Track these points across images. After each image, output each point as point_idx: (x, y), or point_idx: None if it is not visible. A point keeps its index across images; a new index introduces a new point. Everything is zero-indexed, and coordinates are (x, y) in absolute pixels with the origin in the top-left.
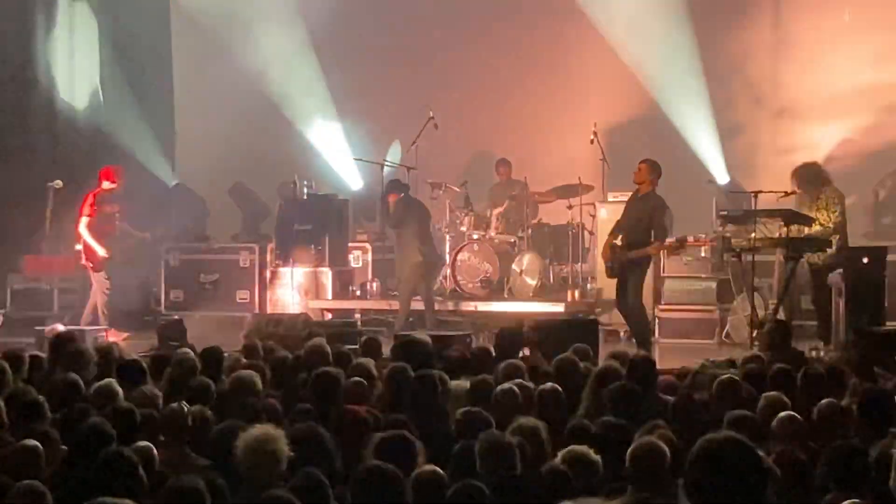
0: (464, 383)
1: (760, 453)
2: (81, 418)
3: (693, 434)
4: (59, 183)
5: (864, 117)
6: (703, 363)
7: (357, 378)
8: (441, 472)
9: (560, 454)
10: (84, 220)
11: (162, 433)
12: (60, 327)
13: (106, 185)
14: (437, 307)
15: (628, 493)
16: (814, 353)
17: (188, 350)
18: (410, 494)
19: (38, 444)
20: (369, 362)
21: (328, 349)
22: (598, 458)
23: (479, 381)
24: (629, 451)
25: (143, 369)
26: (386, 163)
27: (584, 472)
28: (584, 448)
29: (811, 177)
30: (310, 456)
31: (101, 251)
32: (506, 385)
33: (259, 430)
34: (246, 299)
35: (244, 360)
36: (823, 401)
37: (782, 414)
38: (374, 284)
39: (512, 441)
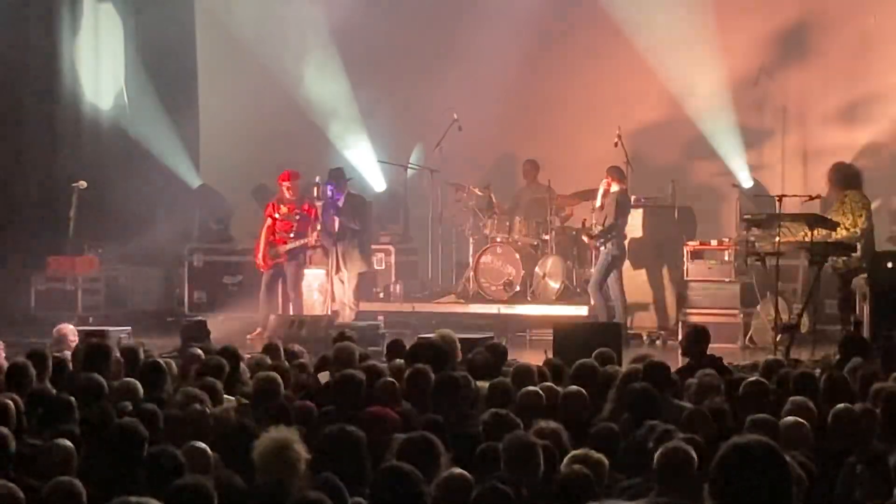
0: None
1: (787, 457)
2: (104, 419)
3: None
4: (83, 184)
5: (889, 122)
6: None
7: (387, 379)
8: (469, 476)
9: (566, 458)
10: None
11: (183, 433)
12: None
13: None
14: (458, 310)
15: (652, 495)
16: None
17: (211, 351)
18: (436, 497)
19: (70, 443)
20: (394, 364)
21: (356, 351)
22: (604, 459)
23: (496, 384)
24: (657, 454)
25: (166, 370)
26: (410, 165)
27: (592, 473)
28: (587, 451)
29: (840, 177)
30: (340, 458)
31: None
32: (530, 388)
33: (275, 432)
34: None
35: (267, 362)
36: (839, 405)
37: (789, 419)
38: (398, 287)
39: (537, 443)
